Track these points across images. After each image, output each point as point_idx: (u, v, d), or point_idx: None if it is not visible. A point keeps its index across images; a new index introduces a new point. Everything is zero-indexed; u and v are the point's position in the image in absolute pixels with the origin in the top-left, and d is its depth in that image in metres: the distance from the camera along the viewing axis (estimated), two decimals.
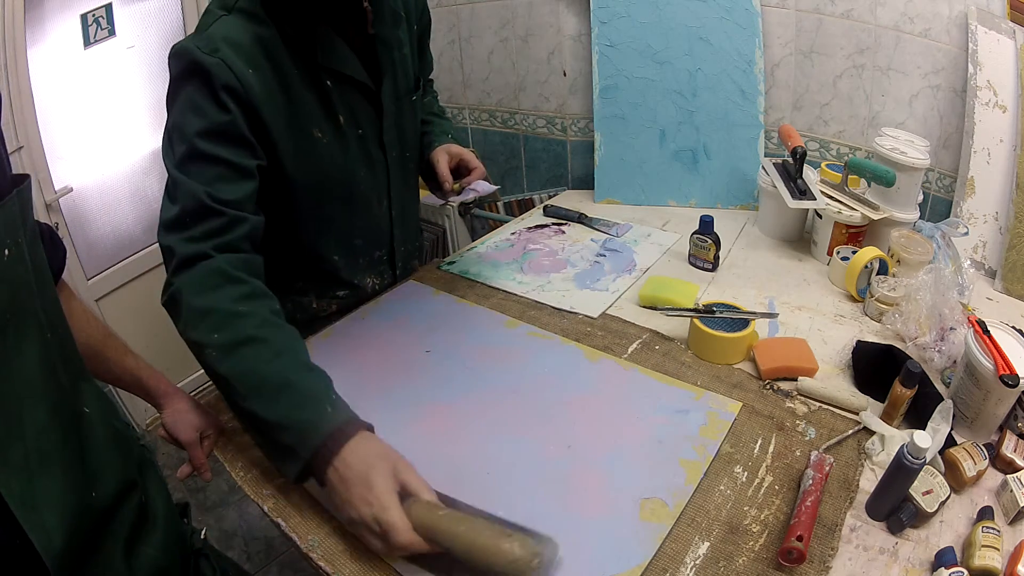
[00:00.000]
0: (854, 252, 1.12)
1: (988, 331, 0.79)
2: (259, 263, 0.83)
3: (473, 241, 1.44)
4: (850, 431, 0.82)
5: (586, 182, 1.69)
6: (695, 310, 1.01)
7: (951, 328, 0.92)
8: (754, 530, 0.70)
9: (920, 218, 1.19)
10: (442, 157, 1.07)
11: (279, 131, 0.86)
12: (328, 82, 0.89)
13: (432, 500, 0.66)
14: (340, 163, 0.95)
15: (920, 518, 0.69)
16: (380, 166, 1.02)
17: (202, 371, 0.75)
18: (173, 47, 0.81)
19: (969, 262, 1.11)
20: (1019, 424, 0.79)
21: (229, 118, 0.79)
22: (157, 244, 0.79)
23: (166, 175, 0.80)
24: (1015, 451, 0.76)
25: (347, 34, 0.90)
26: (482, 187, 1.07)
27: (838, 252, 1.17)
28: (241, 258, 0.80)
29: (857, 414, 0.85)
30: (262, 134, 0.84)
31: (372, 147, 0.99)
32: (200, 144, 0.77)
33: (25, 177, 0.52)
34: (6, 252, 0.48)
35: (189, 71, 0.78)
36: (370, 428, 0.71)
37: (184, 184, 0.77)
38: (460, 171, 1.09)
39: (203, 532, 0.77)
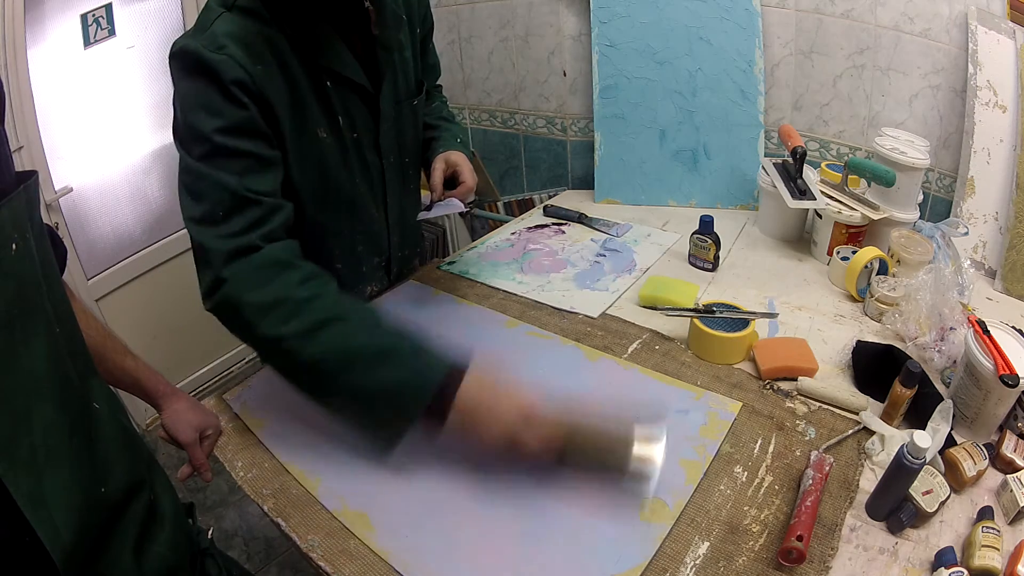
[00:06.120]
0: (854, 252, 1.12)
1: (988, 331, 0.79)
2: (299, 246, 0.80)
3: (473, 241, 1.44)
4: (850, 431, 0.82)
5: (586, 182, 1.69)
6: (695, 310, 1.01)
7: (951, 328, 0.92)
8: (754, 530, 0.70)
9: (920, 218, 1.19)
10: (439, 165, 1.05)
11: (287, 131, 0.84)
12: (328, 83, 0.87)
13: None
14: (339, 167, 0.93)
15: (920, 518, 0.69)
16: (375, 171, 1.00)
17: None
18: (174, 46, 0.77)
19: (969, 262, 1.11)
20: (1019, 424, 0.79)
21: (246, 114, 0.77)
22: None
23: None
24: (1015, 451, 0.76)
25: (348, 36, 0.88)
26: (451, 205, 1.04)
27: (838, 252, 1.17)
28: (287, 244, 0.77)
29: (857, 414, 0.85)
30: (274, 132, 0.82)
31: (368, 152, 0.97)
32: (221, 140, 0.75)
33: (32, 173, 0.52)
34: (13, 247, 0.47)
35: (195, 70, 0.75)
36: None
37: (211, 177, 0.74)
38: (453, 181, 1.06)
39: (209, 532, 0.77)
